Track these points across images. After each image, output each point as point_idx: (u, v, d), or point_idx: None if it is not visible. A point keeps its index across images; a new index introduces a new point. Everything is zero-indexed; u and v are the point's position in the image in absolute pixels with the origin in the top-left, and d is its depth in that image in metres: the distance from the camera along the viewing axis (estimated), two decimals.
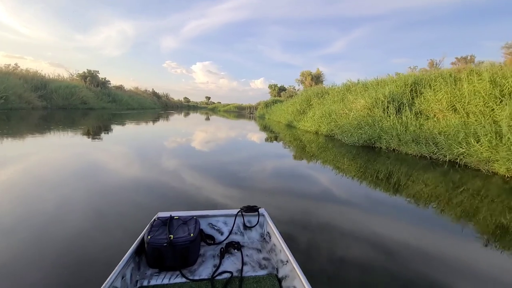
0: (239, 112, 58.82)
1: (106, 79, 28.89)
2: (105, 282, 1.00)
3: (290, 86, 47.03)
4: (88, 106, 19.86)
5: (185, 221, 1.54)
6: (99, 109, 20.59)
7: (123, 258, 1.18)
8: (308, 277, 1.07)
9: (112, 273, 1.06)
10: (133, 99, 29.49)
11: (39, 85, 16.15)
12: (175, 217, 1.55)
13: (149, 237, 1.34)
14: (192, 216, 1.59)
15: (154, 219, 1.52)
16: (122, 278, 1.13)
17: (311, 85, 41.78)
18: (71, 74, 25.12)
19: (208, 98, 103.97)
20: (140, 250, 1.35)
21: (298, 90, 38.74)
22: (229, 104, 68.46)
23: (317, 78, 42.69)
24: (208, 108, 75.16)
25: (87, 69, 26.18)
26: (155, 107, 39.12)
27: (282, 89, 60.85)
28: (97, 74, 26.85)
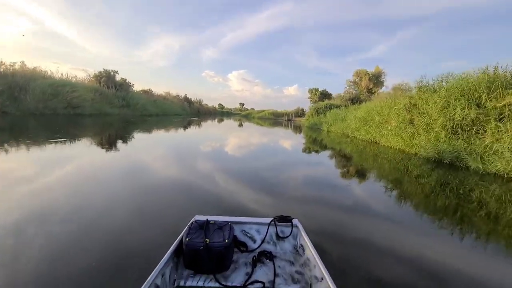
0: (275, 119, 53.16)
1: (127, 81, 25.13)
2: (147, 280, 1.04)
3: (337, 93, 38.91)
4: (80, 111, 14.81)
5: (220, 226, 1.55)
6: (96, 115, 15.68)
7: (164, 257, 1.22)
8: None
9: (154, 271, 1.11)
10: (154, 103, 24.98)
11: (13, 84, 11.65)
12: (211, 222, 1.57)
13: (187, 239, 1.37)
14: (227, 222, 1.60)
15: (192, 222, 1.55)
16: (162, 276, 1.17)
17: (368, 87, 33.19)
18: (88, 74, 21.70)
19: (242, 104, 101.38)
20: (178, 251, 1.38)
21: (361, 92, 30.15)
22: (263, 110, 62.93)
23: (376, 78, 33.79)
24: (242, 115, 71.92)
25: (104, 69, 22.51)
26: (183, 113, 34.93)
27: (325, 94, 53.12)
28: (115, 74, 23.04)
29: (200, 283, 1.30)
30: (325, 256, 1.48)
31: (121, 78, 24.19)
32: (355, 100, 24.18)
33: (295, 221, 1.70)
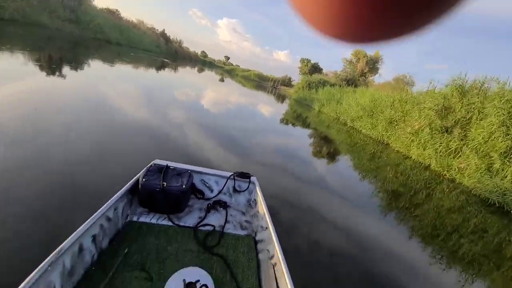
0: (260, 82, 49.85)
1: None
2: (99, 210, 1.08)
3: (334, 70, 36.78)
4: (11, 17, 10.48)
5: (179, 172, 1.57)
6: (23, 24, 10.89)
7: (117, 193, 1.25)
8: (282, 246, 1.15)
9: (106, 203, 1.14)
10: (117, 28, 19.66)
11: None
12: (170, 167, 1.58)
13: (144, 179, 1.39)
14: (187, 170, 1.62)
15: (151, 165, 1.54)
16: (115, 210, 1.21)
17: (363, 70, 31.39)
18: None
19: (227, 58, 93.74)
20: (133, 190, 1.40)
21: (357, 72, 28.05)
22: (249, 70, 58.19)
23: (373, 63, 31.98)
24: (225, 69, 66.40)
25: None
26: (156, 51, 29.58)
27: (316, 67, 50.41)
28: None
29: (154, 221, 1.37)
30: (274, 214, 1.59)
31: None
32: (350, 82, 22.27)
33: (253, 178, 1.79)
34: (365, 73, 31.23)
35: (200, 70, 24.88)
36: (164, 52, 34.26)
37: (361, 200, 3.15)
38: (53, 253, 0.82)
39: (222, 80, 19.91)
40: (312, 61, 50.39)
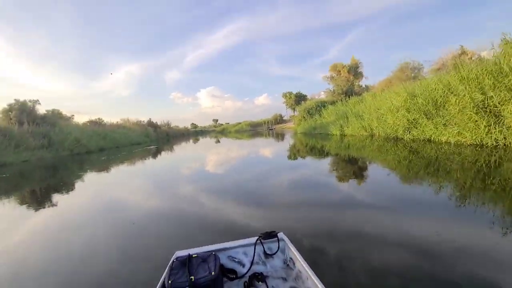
0: (254, 129, 49.53)
1: (56, 111, 18.95)
2: None
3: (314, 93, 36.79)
4: None
5: (204, 258, 1.43)
6: None
7: None
8: None
9: None
10: (98, 134, 18.78)
11: None
12: (193, 255, 1.44)
13: (170, 281, 1.23)
14: (211, 252, 1.48)
15: (173, 260, 1.43)
16: None
17: (348, 80, 30.45)
18: None
19: (216, 120, 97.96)
20: None
21: (339, 87, 26.87)
22: (239, 123, 58.69)
23: (355, 70, 31.33)
24: (217, 131, 67.84)
25: (15, 99, 16.26)
26: (145, 141, 29.10)
27: (300, 96, 50.75)
28: (35, 105, 16.88)
29: None
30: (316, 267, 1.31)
31: (47, 111, 17.99)
32: (349, 92, 20.62)
33: (280, 234, 1.62)
34: (352, 81, 30.34)
35: (196, 140, 24.83)
36: (155, 139, 33.98)
37: None
38: None
39: (218, 141, 19.48)
40: (294, 92, 51.00)
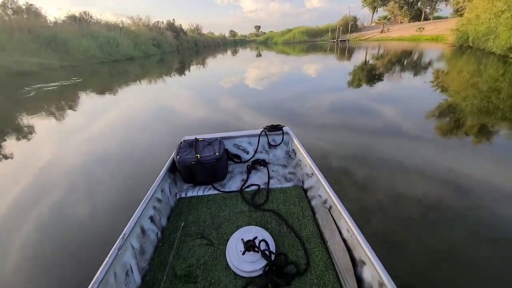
0: (313, 42, 34.67)
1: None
2: (147, 194, 1.15)
3: None
4: None
5: (209, 142, 1.59)
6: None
7: (159, 175, 1.33)
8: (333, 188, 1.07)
9: (152, 187, 1.21)
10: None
11: None
12: (200, 139, 1.62)
13: (178, 157, 1.44)
14: (217, 138, 1.65)
15: (181, 142, 1.60)
16: (162, 191, 1.31)
17: None
18: None
19: (258, 28, 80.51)
20: (173, 169, 1.49)
21: None
22: (290, 30, 42.61)
23: None
24: (258, 41, 53.33)
25: None
26: (154, 52, 20.47)
27: None
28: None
29: (200, 193, 1.44)
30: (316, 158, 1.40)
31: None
32: None
33: (285, 128, 1.73)
34: None
35: (234, 52, 21.90)
36: (169, 51, 24.73)
37: None
38: (118, 239, 0.87)
39: (259, 55, 17.49)
40: None
